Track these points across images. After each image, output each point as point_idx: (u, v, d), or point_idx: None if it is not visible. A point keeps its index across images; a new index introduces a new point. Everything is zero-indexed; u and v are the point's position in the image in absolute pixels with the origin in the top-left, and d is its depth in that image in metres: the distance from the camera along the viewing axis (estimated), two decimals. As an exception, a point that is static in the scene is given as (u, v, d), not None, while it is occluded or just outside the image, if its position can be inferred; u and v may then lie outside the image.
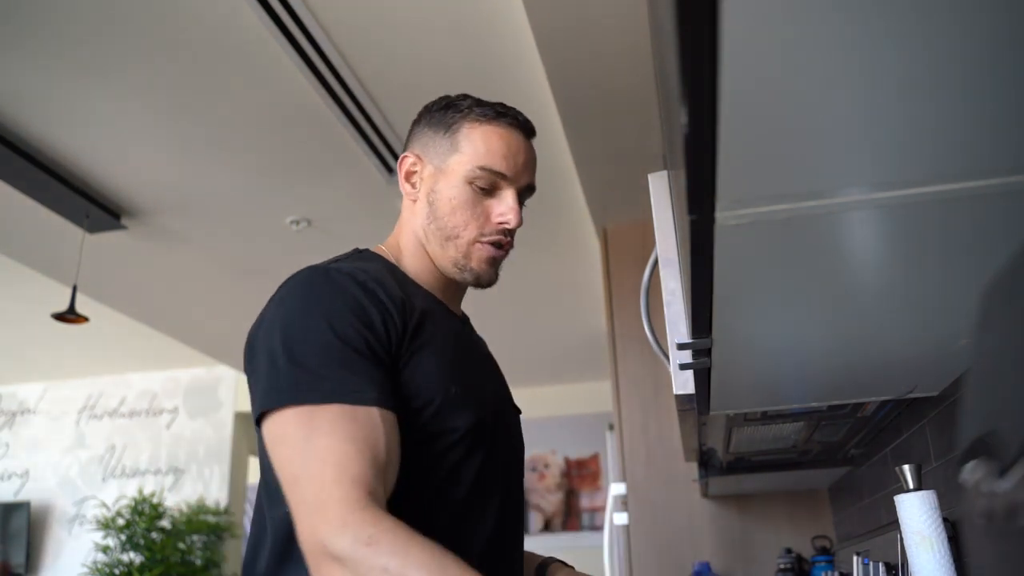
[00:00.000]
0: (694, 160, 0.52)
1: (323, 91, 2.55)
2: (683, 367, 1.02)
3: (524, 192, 1.04)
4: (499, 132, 1.01)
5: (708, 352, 0.97)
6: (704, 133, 0.49)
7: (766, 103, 0.48)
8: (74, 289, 3.33)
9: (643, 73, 2.19)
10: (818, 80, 0.47)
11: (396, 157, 2.93)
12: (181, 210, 3.30)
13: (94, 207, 3.13)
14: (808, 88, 0.48)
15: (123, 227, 3.35)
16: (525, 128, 1.04)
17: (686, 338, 0.97)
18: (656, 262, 1.19)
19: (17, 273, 3.94)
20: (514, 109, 1.04)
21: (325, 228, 3.47)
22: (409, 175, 1.05)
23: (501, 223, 1.00)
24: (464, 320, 1.11)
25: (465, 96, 1.04)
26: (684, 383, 1.13)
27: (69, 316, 3.29)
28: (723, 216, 0.60)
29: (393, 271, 1.00)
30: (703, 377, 1.09)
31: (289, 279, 0.91)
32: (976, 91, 0.49)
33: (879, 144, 0.54)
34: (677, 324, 1.06)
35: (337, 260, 0.98)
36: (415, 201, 1.04)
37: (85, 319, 3.38)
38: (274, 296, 0.90)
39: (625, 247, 3.04)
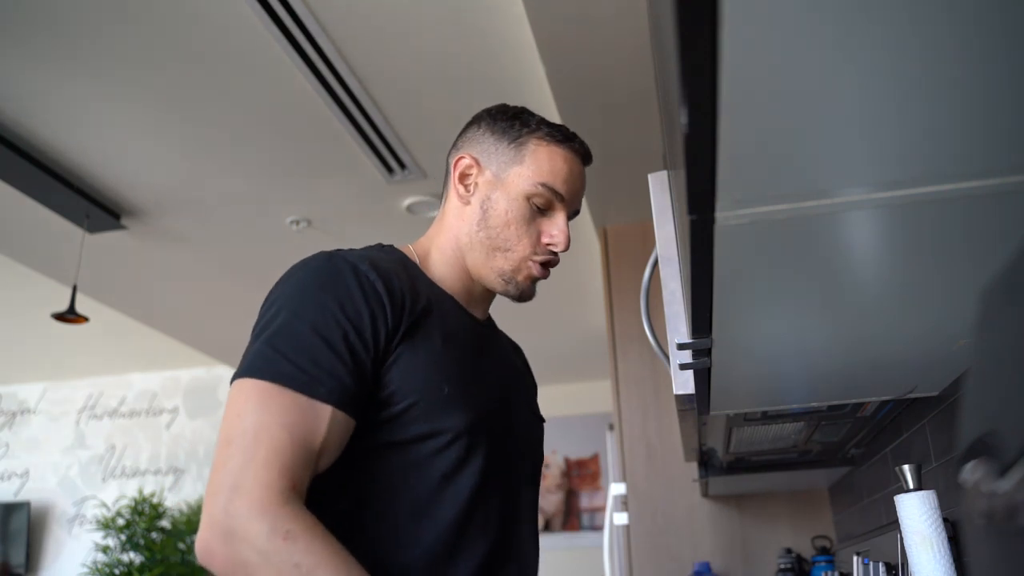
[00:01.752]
0: (694, 160, 0.52)
1: (323, 91, 2.55)
2: (683, 367, 1.02)
3: (570, 216, 1.06)
4: (564, 155, 1.03)
5: (708, 352, 0.97)
6: (704, 133, 0.49)
7: (766, 103, 0.48)
8: (74, 289, 3.33)
9: (643, 73, 2.19)
10: (818, 80, 0.47)
11: (396, 157, 2.93)
12: (181, 210, 3.30)
13: (94, 207, 3.13)
14: (808, 88, 0.48)
15: (123, 227, 3.35)
16: (586, 158, 1.07)
17: (686, 338, 0.97)
18: (656, 262, 1.19)
19: (17, 273, 3.94)
20: (579, 137, 1.06)
21: (325, 228, 3.47)
22: (464, 176, 1.05)
23: (550, 244, 1.02)
24: (488, 325, 1.11)
25: (530, 112, 1.06)
26: (684, 383, 1.13)
27: (69, 316, 3.29)
28: (723, 216, 0.60)
29: (408, 267, 1.00)
30: (703, 377, 1.09)
31: (300, 261, 0.92)
32: (976, 91, 0.49)
33: (879, 144, 0.54)
34: (677, 324, 1.06)
35: (354, 249, 0.98)
36: (467, 204, 1.04)
37: (85, 319, 3.38)
38: (283, 275, 0.92)
39: (625, 247, 3.04)
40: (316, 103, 2.63)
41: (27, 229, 3.38)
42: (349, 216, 3.37)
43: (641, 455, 2.80)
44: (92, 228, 3.29)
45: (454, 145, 1.09)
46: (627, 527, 2.73)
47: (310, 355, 0.82)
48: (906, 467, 1.18)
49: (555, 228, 1.02)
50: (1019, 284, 0.41)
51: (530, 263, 1.02)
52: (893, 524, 1.49)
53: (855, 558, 1.59)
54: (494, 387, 1.01)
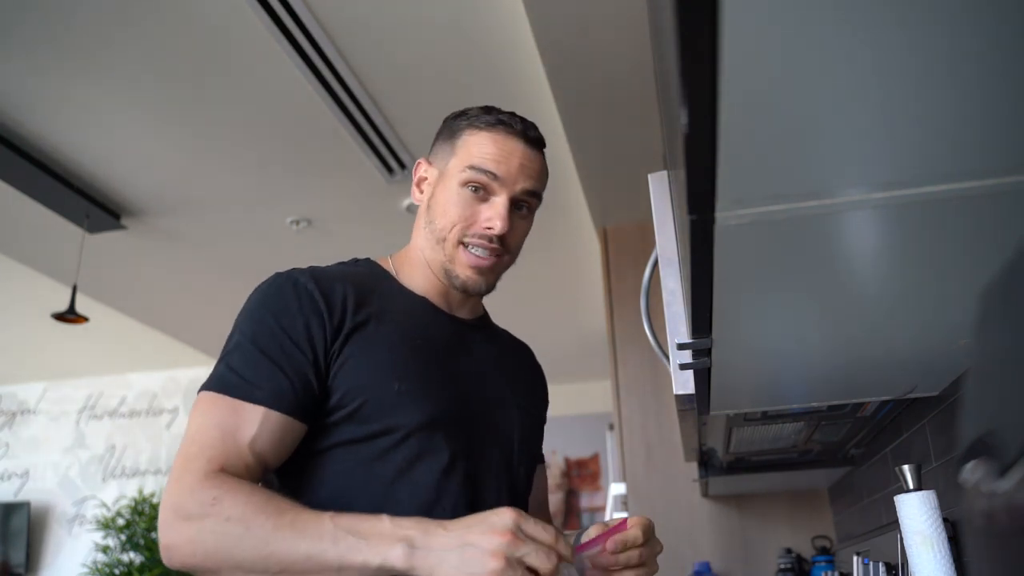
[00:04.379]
0: (694, 160, 0.52)
1: (323, 91, 2.55)
2: (683, 367, 1.02)
3: (524, 199, 1.03)
4: (494, 137, 1.03)
5: (708, 352, 0.97)
6: (704, 133, 0.49)
7: (766, 103, 0.48)
8: (74, 289, 3.33)
9: (643, 73, 2.19)
10: (818, 80, 0.47)
11: (396, 157, 2.94)
12: (181, 210, 3.30)
13: (94, 207, 3.13)
14: (808, 88, 0.48)
15: (123, 227, 3.35)
16: (524, 135, 1.04)
17: (686, 338, 0.97)
18: (656, 262, 1.19)
19: (17, 273, 3.94)
20: (519, 117, 1.05)
21: (325, 228, 3.47)
22: (420, 181, 1.09)
23: (487, 227, 1.00)
24: (475, 325, 1.10)
25: (481, 107, 1.07)
26: (684, 383, 1.13)
27: (69, 316, 3.29)
28: (723, 216, 0.60)
29: (372, 276, 1.03)
30: (703, 377, 1.09)
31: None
32: (975, 90, 0.49)
33: (879, 144, 0.54)
34: (677, 324, 1.06)
35: (314, 266, 1.02)
36: (421, 205, 1.09)
37: (85, 319, 3.39)
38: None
39: (625, 247, 3.04)
40: (316, 103, 2.63)
41: (27, 229, 3.38)
42: (349, 216, 3.37)
43: (641, 455, 2.80)
44: (92, 228, 3.29)
45: None
46: (627, 527, 2.72)
47: (251, 366, 0.90)
48: (906, 467, 1.17)
49: (491, 211, 1.01)
50: (1018, 285, 0.41)
51: (461, 249, 1.01)
52: (893, 524, 1.49)
53: (855, 558, 1.59)
54: (464, 385, 1.01)
